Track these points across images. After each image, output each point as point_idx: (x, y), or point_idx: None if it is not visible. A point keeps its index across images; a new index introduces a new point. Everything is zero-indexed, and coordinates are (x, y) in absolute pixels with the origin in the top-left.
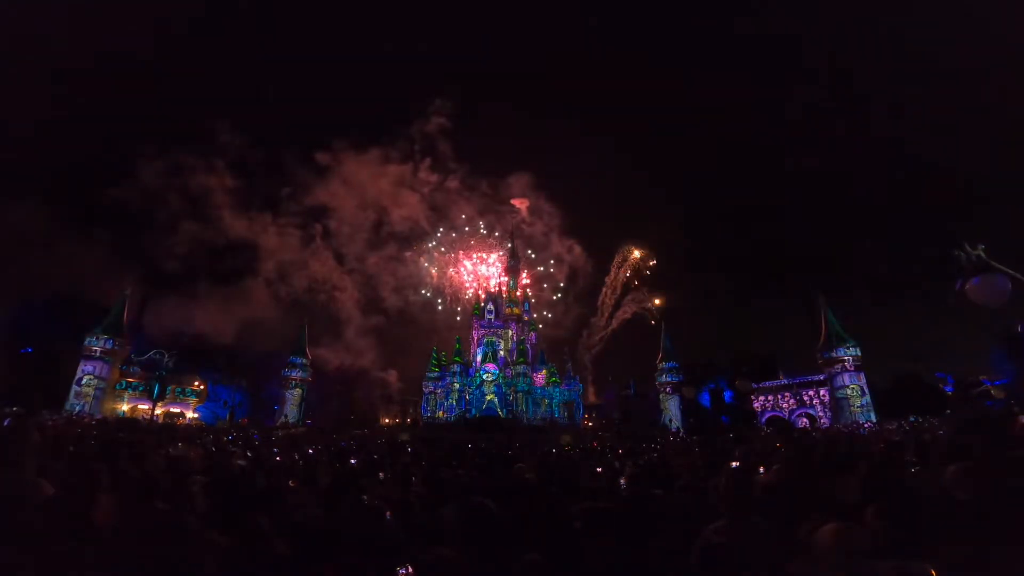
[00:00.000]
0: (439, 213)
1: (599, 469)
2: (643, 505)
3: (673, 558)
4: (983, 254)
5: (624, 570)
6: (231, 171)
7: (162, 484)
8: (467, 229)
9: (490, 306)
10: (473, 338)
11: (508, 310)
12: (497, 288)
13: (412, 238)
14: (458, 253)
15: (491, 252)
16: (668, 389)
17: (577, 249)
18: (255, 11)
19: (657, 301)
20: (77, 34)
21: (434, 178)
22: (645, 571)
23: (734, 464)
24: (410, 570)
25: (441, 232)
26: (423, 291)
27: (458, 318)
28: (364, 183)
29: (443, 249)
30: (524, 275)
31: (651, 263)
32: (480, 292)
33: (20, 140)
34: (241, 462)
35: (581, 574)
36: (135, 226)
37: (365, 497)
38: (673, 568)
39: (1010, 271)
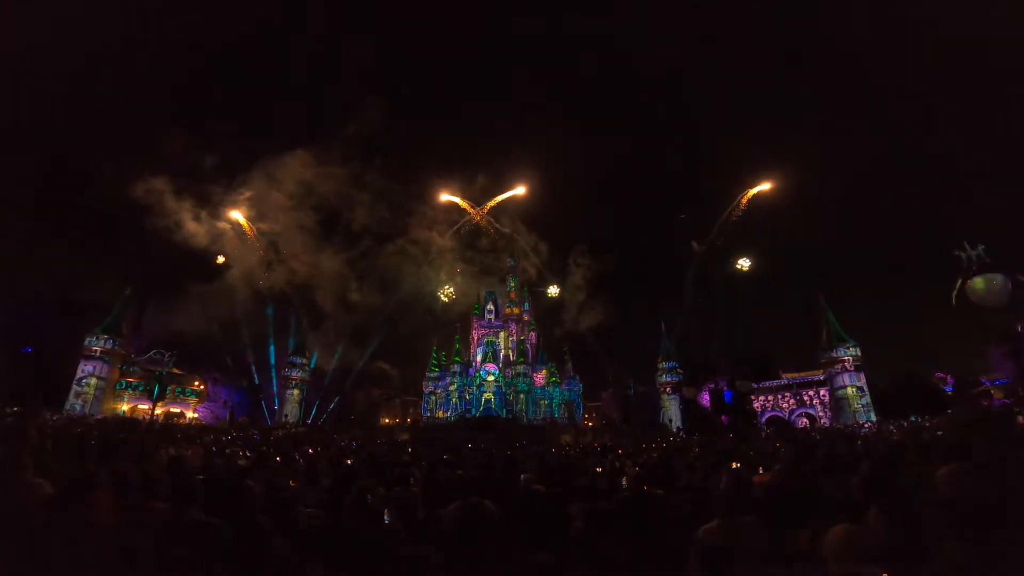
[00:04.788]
0: (408, 210)
1: (599, 469)
2: (644, 505)
3: (674, 558)
4: (983, 254)
5: (625, 570)
6: (213, 175)
7: (162, 484)
8: (429, 214)
9: (490, 306)
10: (473, 338)
11: (508, 310)
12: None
13: (393, 236)
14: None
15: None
16: (668, 389)
17: (542, 246)
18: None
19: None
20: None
21: (398, 177)
22: (646, 571)
23: (734, 464)
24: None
25: (407, 229)
26: (407, 289)
27: (442, 302)
28: (327, 183)
29: (421, 245)
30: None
31: (608, 263)
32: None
33: (14, 141)
34: (242, 462)
35: (581, 574)
36: (134, 228)
37: (365, 497)
38: (674, 568)
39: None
